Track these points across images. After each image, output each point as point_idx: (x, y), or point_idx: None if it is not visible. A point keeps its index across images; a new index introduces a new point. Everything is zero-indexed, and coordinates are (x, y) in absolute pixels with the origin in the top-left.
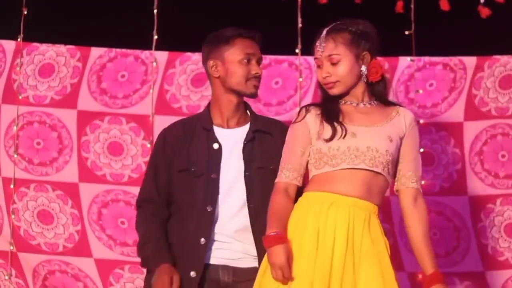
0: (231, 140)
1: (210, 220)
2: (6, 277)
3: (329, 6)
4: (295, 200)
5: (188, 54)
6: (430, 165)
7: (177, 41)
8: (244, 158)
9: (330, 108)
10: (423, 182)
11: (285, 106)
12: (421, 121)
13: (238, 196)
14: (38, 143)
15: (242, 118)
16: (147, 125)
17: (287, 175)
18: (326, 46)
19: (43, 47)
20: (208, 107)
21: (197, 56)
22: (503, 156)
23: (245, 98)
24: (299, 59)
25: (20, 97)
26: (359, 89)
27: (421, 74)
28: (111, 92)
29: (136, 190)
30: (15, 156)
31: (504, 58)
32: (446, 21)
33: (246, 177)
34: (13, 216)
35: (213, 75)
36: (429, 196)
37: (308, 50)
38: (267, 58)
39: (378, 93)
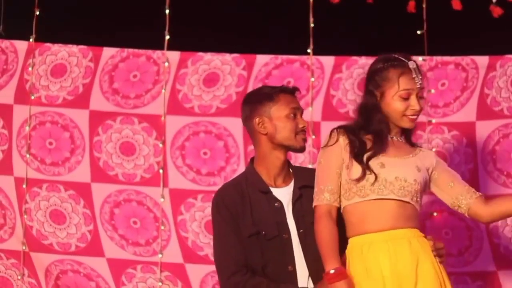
0: (284, 199)
1: (294, 278)
2: (19, 277)
3: (341, 6)
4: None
5: (200, 54)
6: None
7: (189, 41)
8: (294, 217)
9: (360, 140)
10: None
11: None
12: (433, 120)
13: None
14: (51, 143)
15: (287, 175)
16: (159, 125)
17: (328, 198)
18: (423, 80)
19: (55, 47)
20: (252, 166)
21: (209, 56)
22: None
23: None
24: (311, 59)
25: (33, 97)
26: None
27: (433, 74)
28: (123, 92)
29: (148, 190)
30: (28, 156)
31: None
32: (458, 21)
33: (300, 235)
34: (25, 216)
35: (261, 132)
36: None
37: (320, 50)
38: (278, 58)
39: (409, 131)
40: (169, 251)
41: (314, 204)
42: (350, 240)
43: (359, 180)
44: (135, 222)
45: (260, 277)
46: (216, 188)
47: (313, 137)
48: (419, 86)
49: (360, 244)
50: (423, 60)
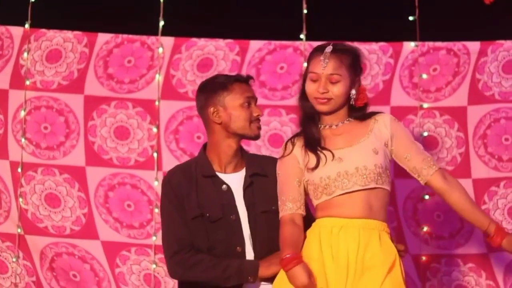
0: (233, 184)
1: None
2: (14, 259)
3: None
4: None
5: (194, 39)
6: (434, 148)
7: (183, 26)
8: (246, 204)
9: (311, 135)
10: None
11: (290, 91)
12: (425, 105)
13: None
14: (46, 128)
15: (239, 163)
16: (153, 110)
17: (290, 207)
18: (330, 64)
19: (50, 33)
20: (204, 153)
21: (203, 42)
22: (506, 139)
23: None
24: (304, 45)
25: (28, 83)
26: (343, 111)
27: (425, 59)
28: (117, 77)
29: (142, 174)
30: (23, 140)
31: (507, 43)
32: (450, 7)
33: (250, 223)
34: (20, 200)
35: (215, 121)
36: None
37: (313, 35)
38: (272, 44)
39: (357, 115)
40: None
41: (280, 216)
42: (320, 220)
43: (316, 166)
44: (129, 205)
45: (202, 254)
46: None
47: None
48: (323, 69)
49: (331, 225)
50: (415, 45)
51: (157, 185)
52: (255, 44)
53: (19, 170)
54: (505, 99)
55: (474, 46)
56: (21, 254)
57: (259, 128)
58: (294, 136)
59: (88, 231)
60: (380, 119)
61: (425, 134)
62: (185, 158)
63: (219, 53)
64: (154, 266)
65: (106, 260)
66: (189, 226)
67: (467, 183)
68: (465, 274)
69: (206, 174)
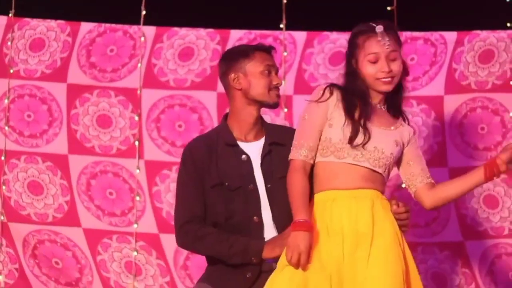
0: (253, 154)
1: (260, 229)
2: None
3: None
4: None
5: (176, 29)
6: None
7: (164, 16)
8: (263, 171)
9: (365, 107)
10: None
11: None
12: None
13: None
14: (29, 116)
15: (260, 131)
16: (135, 98)
17: (305, 154)
18: (390, 41)
19: (34, 22)
20: (225, 120)
21: (184, 31)
22: (482, 128)
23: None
24: (283, 34)
25: (11, 71)
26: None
27: (403, 49)
28: (100, 66)
29: (124, 162)
30: (6, 128)
31: (484, 33)
32: None
33: (268, 189)
34: (4, 187)
35: (236, 87)
36: None
37: (292, 25)
38: (252, 33)
39: (395, 101)
40: (144, 222)
41: (290, 157)
42: (315, 196)
43: (352, 139)
44: (111, 193)
45: (211, 228)
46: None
47: (285, 110)
48: (387, 48)
49: (324, 200)
50: None
51: (139, 173)
52: (235, 34)
53: (2, 158)
54: (481, 89)
55: (451, 36)
56: (4, 242)
57: (278, 96)
58: (334, 85)
59: (70, 218)
60: (406, 126)
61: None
62: (167, 147)
63: (200, 42)
64: (135, 253)
65: (88, 247)
66: (208, 195)
67: (443, 172)
68: (441, 261)
69: (228, 142)
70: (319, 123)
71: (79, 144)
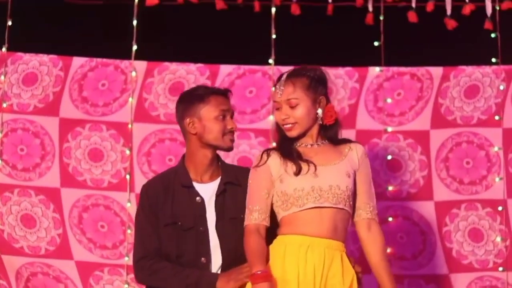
0: (207, 195)
1: (207, 270)
2: None
3: (302, 18)
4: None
5: (166, 63)
6: (397, 171)
7: (155, 51)
8: (216, 210)
9: (289, 149)
10: (390, 188)
11: (259, 114)
12: (389, 129)
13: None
14: (22, 150)
15: (215, 172)
16: (126, 132)
17: (256, 217)
18: (285, 90)
19: (26, 56)
20: (182, 162)
21: (175, 66)
22: (467, 163)
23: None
24: (272, 69)
25: (5, 105)
26: (314, 131)
27: (390, 84)
28: (92, 100)
29: (115, 195)
30: (0, 162)
31: (469, 69)
32: (414, 33)
33: (218, 228)
34: None
35: (191, 131)
36: (397, 202)
37: (281, 60)
38: (241, 68)
39: (331, 135)
40: None
41: (244, 224)
42: (284, 237)
43: (298, 172)
44: (102, 226)
45: (166, 262)
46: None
47: (274, 144)
48: (280, 96)
49: (298, 244)
50: (380, 70)
51: (130, 206)
52: (225, 69)
53: None
54: (466, 124)
55: (437, 71)
56: None
57: (232, 140)
58: (270, 148)
59: (63, 251)
60: (354, 148)
61: (389, 157)
62: None
63: (190, 77)
64: (126, 286)
65: (79, 280)
66: (161, 233)
67: (429, 206)
68: None
69: (184, 184)
70: (264, 185)
71: (71, 177)
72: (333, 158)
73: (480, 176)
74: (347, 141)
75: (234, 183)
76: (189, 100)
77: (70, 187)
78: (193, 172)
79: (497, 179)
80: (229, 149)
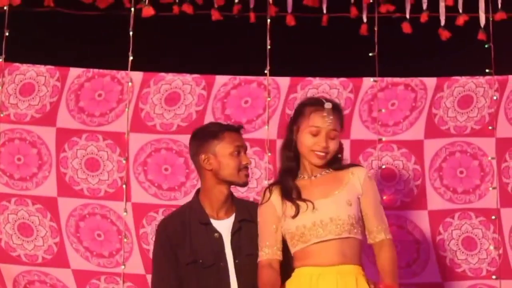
0: (224, 231)
1: None
2: None
3: (297, 29)
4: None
5: (162, 74)
6: (391, 180)
7: (151, 61)
8: (232, 247)
9: (288, 187)
10: (384, 197)
11: (254, 124)
12: (384, 138)
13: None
14: (19, 159)
15: (230, 208)
16: (122, 142)
17: (267, 252)
18: (334, 121)
19: (24, 67)
20: (197, 198)
21: (170, 76)
22: (461, 172)
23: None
24: (267, 80)
25: (2, 115)
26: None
27: (384, 94)
28: (88, 111)
29: (112, 205)
30: None
31: (463, 79)
32: (408, 43)
33: (236, 265)
34: None
35: (206, 168)
36: (391, 211)
37: (276, 71)
38: (237, 78)
39: (336, 163)
40: (131, 263)
41: (258, 260)
42: (297, 271)
43: (296, 214)
44: (99, 235)
45: None
46: (176, 202)
47: (269, 154)
48: (328, 125)
49: (310, 274)
50: (374, 81)
51: (126, 215)
52: (220, 79)
53: None
54: (460, 133)
55: (430, 81)
56: None
57: (247, 175)
58: (272, 184)
59: (60, 259)
60: (356, 173)
61: (383, 166)
62: (153, 190)
63: (186, 87)
64: None
65: None
66: (182, 273)
67: (423, 215)
68: None
69: (201, 221)
70: (271, 221)
71: (68, 186)
72: (332, 189)
73: (474, 185)
74: (349, 166)
75: (248, 219)
76: (203, 136)
77: (67, 196)
78: (209, 208)
79: (490, 189)
80: (245, 184)
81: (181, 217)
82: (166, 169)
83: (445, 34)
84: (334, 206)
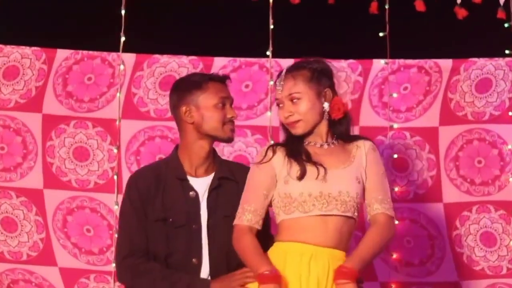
0: (201, 190)
1: (197, 271)
2: None
3: (301, 7)
4: None
5: (157, 56)
6: (404, 171)
7: (145, 42)
8: (208, 206)
9: (297, 147)
10: (396, 189)
11: (256, 110)
12: (395, 125)
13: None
14: (2, 148)
15: (211, 166)
16: (114, 130)
17: (249, 218)
18: (285, 85)
19: (7, 48)
20: (176, 153)
21: (165, 58)
22: (479, 162)
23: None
24: (270, 62)
25: None
26: (323, 128)
27: (396, 77)
28: (77, 95)
29: (102, 197)
30: None
31: (481, 61)
32: (421, 22)
33: (209, 226)
34: None
35: (187, 121)
36: (403, 203)
37: (279, 52)
38: (237, 61)
39: (341, 131)
40: None
41: (234, 222)
42: (284, 244)
43: (301, 177)
44: (88, 230)
45: (154, 263)
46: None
47: (272, 142)
48: (281, 93)
49: (300, 252)
50: (385, 63)
51: (117, 209)
52: (219, 61)
53: None
54: (478, 120)
55: (446, 63)
56: None
57: (232, 130)
58: (276, 144)
59: (46, 257)
60: (361, 146)
61: (395, 156)
62: None
63: (182, 71)
64: None
65: (64, 287)
66: (150, 229)
67: (438, 208)
68: None
69: (178, 176)
70: (264, 184)
71: (55, 178)
72: (343, 161)
73: (493, 176)
74: (356, 138)
75: (230, 178)
76: (185, 87)
77: (54, 188)
78: (187, 165)
79: (511, 179)
80: (229, 139)
81: (156, 171)
82: (160, 159)
83: (461, 13)
84: (345, 180)
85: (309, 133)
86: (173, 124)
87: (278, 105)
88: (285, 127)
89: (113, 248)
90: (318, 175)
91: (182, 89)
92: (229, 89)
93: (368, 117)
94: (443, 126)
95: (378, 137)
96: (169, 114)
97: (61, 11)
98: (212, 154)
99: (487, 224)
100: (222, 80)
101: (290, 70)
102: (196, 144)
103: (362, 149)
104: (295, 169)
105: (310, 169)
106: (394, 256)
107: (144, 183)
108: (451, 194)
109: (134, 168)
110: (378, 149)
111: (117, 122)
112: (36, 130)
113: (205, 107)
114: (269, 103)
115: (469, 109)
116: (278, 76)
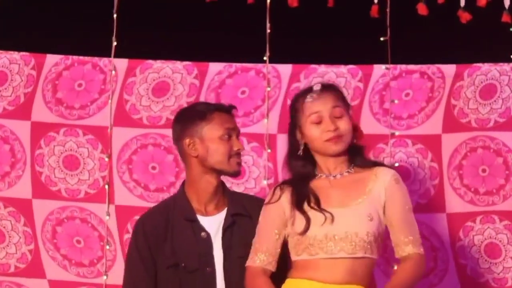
0: (213, 229)
1: None
2: None
3: (300, 11)
4: None
5: (149, 61)
6: (406, 180)
7: (137, 47)
8: (223, 247)
9: (302, 191)
10: None
11: (252, 117)
12: (397, 133)
13: None
14: None
15: (221, 201)
16: (105, 138)
17: (262, 259)
18: (326, 97)
19: None
20: (183, 190)
21: (159, 64)
22: (483, 170)
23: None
24: (267, 67)
25: None
26: (344, 155)
27: (397, 83)
28: (67, 102)
29: (93, 207)
30: None
31: (485, 66)
32: (424, 26)
33: (225, 269)
34: None
35: (191, 154)
36: None
37: (276, 57)
38: (233, 66)
39: (359, 158)
40: (114, 272)
41: (246, 264)
42: (294, 281)
43: (304, 232)
44: (78, 241)
45: None
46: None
47: (269, 151)
48: (326, 104)
49: None
50: (386, 68)
51: (109, 219)
52: (214, 67)
53: None
54: (482, 127)
55: (449, 69)
56: None
57: (239, 164)
58: (284, 183)
59: (34, 269)
60: (380, 176)
61: (396, 164)
62: (139, 191)
63: (176, 76)
64: None
65: None
66: (162, 277)
67: (441, 218)
68: None
69: (187, 218)
70: (274, 225)
71: (44, 187)
72: (354, 196)
73: (498, 185)
74: (374, 164)
75: (244, 214)
76: (189, 117)
77: (43, 198)
78: (196, 202)
79: None
80: (236, 174)
81: (164, 213)
82: (153, 168)
83: (465, 16)
84: (352, 220)
85: (340, 154)
86: (166, 131)
87: (314, 121)
88: (295, 163)
89: (104, 260)
90: (324, 222)
91: (185, 120)
92: (235, 119)
93: (368, 125)
94: (446, 134)
95: (378, 145)
96: (163, 122)
97: (51, 15)
98: (221, 188)
99: (491, 235)
100: (228, 110)
101: (326, 86)
102: (203, 179)
103: (381, 182)
104: (299, 222)
105: (316, 215)
106: (395, 267)
107: (152, 227)
108: (454, 204)
109: (126, 177)
110: (379, 157)
111: (109, 130)
112: (24, 138)
113: (210, 139)
114: (266, 110)
115: (473, 116)
116: (306, 93)
